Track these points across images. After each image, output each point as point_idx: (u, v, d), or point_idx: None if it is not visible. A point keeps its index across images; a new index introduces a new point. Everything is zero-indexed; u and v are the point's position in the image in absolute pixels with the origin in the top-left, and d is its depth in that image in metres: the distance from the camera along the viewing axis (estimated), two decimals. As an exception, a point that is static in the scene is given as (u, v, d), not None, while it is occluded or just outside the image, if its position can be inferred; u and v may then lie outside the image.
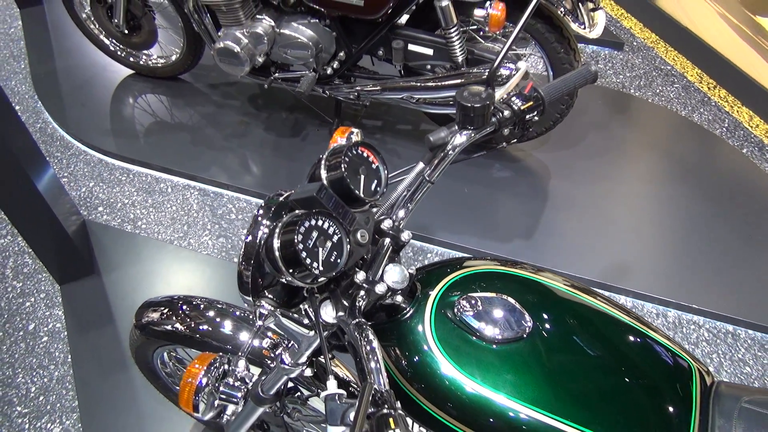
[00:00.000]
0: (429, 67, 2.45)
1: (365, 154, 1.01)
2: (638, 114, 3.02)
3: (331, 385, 0.86)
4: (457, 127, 1.06)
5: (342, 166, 0.96)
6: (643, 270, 2.38)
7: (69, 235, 2.40)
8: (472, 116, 1.02)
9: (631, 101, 3.08)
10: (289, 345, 1.13)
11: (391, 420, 0.76)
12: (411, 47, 2.40)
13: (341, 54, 2.55)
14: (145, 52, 3.21)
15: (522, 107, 1.09)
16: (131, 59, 3.22)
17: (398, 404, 0.82)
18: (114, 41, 3.17)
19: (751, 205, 2.59)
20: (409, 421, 1.06)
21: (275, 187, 2.74)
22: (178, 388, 1.80)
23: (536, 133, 2.63)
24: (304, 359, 1.10)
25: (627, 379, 1.01)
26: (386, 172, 1.02)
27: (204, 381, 1.08)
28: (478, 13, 2.20)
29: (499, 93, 1.10)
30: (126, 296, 2.38)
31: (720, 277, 2.35)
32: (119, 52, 3.20)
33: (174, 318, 1.49)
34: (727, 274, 2.36)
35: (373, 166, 1.02)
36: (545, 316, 1.04)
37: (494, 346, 1.00)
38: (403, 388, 1.03)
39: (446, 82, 2.36)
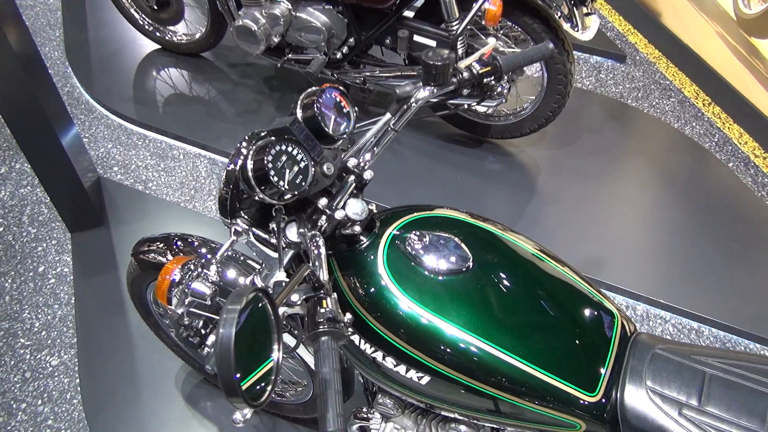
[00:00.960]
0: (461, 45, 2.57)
1: (338, 99, 1.14)
2: (632, 123, 3.13)
3: (280, 275, 0.99)
4: (421, 83, 1.19)
5: (315, 105, 1.09)
6: (619, 265, 2.49)
7: (85, 188, 2.56)
8: (434, 73, 1.15)
9: (627, 110, 3.19)
10: (261, 268, 1.26)
11: (324, 301, 0.89)
12: (416, 38, 2.53)
13: (351, 40, 2.69)
14: (171, 28, 3.37)
15: (480, 71, 1.22)
16: (158, 34, 3.38)
17: (335, 295, 0.96)
18: (143, 16, 3.33)
19: (730, 215, 2.69)
20: (364, 344, 1.18)
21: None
22: (167, 323, 1.95)
23: (529, 130, 2.75)
24: (271, 281, 1.23)
25: (555, 318, 1.13)
26: (355, 115, 1.15)
27: (178, 278, 1.22)
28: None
29: (465, 62, 1.23)
30: (130, 248, 2.53)
31: (691, 277, 2.45)
32: (147, 27, 3.37)
33: (168, 252, 1.62)
34: (698, 276, 2.46)
35: (344, 109, 1.15)
36: (486, 257, 1.16)
37: (439, 278, 1.12)
38: (361, 316, 1.15)
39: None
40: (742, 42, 2.99)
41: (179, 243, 1.65)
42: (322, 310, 0.93)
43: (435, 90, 1.18)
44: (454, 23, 2.38)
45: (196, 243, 1.63)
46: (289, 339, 1.47)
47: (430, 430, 1.28)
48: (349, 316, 1.03)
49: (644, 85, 3.34)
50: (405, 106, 1.20)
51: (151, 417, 2.04)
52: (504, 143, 2.94)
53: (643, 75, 3.41)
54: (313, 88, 1.14)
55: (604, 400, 1.09)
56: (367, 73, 2.73)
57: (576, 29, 2.29)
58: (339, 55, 2.73)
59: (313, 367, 1.61)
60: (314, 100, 1.10)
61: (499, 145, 2.94)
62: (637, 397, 1.09)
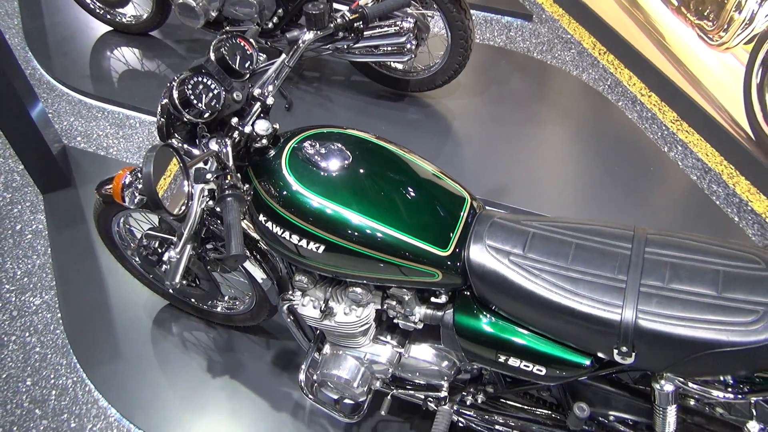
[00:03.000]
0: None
1: (243, 44, 1.48)
2: (537, 73, 3.50)
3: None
4: (306, 28, 1.53)
5: (222, 48, 1.43)
6: (524, 191, 2.87)
7: (53, 155, 2.84)
8: (313, 20, 1.49)
9: (533, 62, 3.56)
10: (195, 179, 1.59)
11: (228, 177, 1.24)
12: (335, 5, 2.86)
13: (280, 11, 3.00)
14: (120, 10, 3.63)
15: (350, 17, 1.56)
16: (108, 16, 3.64)
17: (238, 175, 1.31)
18: (94, 0, 3.59)
19: (618, 145, 3.08)
20: (276, 228, 1.52)
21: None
22: (130, 255, 2.27)
23: (442, 82, 3.10)
24: (207, 176, 1.54)
25: (418, 198, 1.49)
26: (257, 56, 1.49)
27: (128, 180, 1.55)
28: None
29: (342, 9, 1.57)
30: (92, 200, 2.83)
31: (583, 197, 2.84)
32: (98, 10, 3.62)
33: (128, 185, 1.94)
34: (589, 196, 2.85)
35: (248, 52, 1.48)
36: (364, 157, 1.51)
37: (327, 173, 1.47)
38: (276, 210, 1.49)
39: (368, 33, 2.82)
40: (626, -4, 3.38)
41: (129, 175, 1.96)
42: (227, 182, 1.27)
43: (317, 33, 1.52)
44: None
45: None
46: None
47: (335, 295, 1.64)
48: (248, 186, 1.37)
49: (548, 39, 3.71)
50: (295, 47, 1.54)
51: (125, 338, 2.37)
52: (423, 96, 3.29)
53: (547, 31, 3.78)
54: (222, 36, 1.47)
55: (454, 255, 1.46)
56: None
57: (468, -10, 2.64)
58: (270, 25, 3.04)
59: (254, 275, 1.95)
60: (223, 44, 1.43)
61: (419, 97, 3.29)
62: (478, 251, 1.45)
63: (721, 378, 1.39)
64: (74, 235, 2.71)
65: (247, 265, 1.94)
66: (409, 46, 2.77)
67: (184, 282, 2.13)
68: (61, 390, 2.27)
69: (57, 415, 2.21)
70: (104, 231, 2.15)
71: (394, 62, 3.12)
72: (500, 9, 3.88)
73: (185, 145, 1.48)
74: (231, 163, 1.35)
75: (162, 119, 1.46)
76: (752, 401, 1.40)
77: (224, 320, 2.33)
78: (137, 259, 2.21)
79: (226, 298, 2.26)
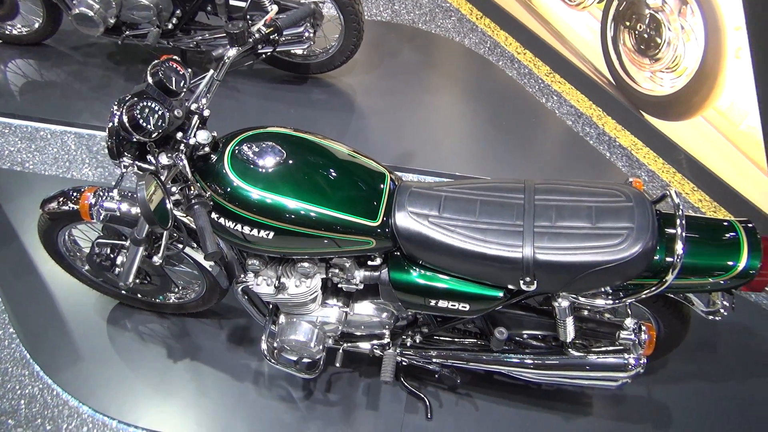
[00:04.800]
0: (248, 16, 3.06)
1: (175, 66, 1.65)
2: (424, 43, 3.78)
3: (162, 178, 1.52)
4: (229, 45, 1.72)
5: (159, 72, 1.60)
6: (427, 153, 3.16)
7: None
8: (234, 39, 1.69)
9: (419, 33, 3.83)
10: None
11: (191, 187, 1.44)
12: (231, 2, 3.00)
13: (178, 12, 3.10)
14: (9, 23, 3.57)
15: (266, 31, 1.77)
16: (-3, 30, 3.58)
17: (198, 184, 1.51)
18: (-22, 15, 3.51)
19: (502, 101, 3.43)
20: (228, 223, 1.73)
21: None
22: (80, 265, 2.39)
23: (340, 62, 3.32)
24: (173, 190, 1.71)
25: (345, 180, 1.74)
26: (189, 75, 1.67)
27: (93, 201, 1.71)
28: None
29: (255, 26, 1.77)
30: (24, 219, 2.88)
31: (474, 153, 3.18)
32: (-16, 25, 3.55)
33: (69, 201, 2.06)
34: (479, 151, 3.19)
35: (180, 72, 1.66)
36: (296, 151, 1.73)
37: (266, 170, 1.69)
38: (226, 207, 1.69)
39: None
40: (493, -35, 3.69)
41: (74, 193, 2.08)
42: (191, 192, 1.48)
43: (239, 48, 1.72)
44: (259, -14, 2.88)
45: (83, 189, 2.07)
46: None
47: (285, 272, 1.88)
48: (209, 193, 1.58)
49: (430, 10, 3.99)
50: (222, 63, 1.73)
51: (83, 341, 2.50)
52: (324, 77, 3.50)
53: (428, 2, 4.05)
54: (156, 61, 1.63)
55: (383, 224, 1.72)
56: (198, 38, 3.17)
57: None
58: (170, 26, 3.14)
59: (202, 263, 2.14)
60: (158, 69, 1.60)
61: (320, 78, 3.50)
62: (402, 218, 1.72)
63: (603, 290, 1.76)
64: (9, 252, 2.77)
65: (196, 255, 2.13)
66: (307, 34, 2.97)
67: (137, 280, 2.29)
68: (29, 398, 2.39)
69: (30, 421, 2.33)
70: (50, 245, 2.26)
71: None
72: (382, -16, 4.10)
73: (136, 162, 1.65)
74: (190, 175, 1.54)
75: (111, 140, 1.62)
76: (627, 303, 1.77)
77: (176, 309, 2.50)
78: (87, 266, 2.34)
79: (178, 289, 2.44)
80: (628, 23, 2.99)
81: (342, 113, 3.34)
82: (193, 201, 1.48)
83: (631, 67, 3.10)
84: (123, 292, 2.44)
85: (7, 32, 3.58)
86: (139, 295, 2.46)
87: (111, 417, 2.34)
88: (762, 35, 2.33)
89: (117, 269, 2.11)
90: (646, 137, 3.21)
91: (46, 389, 2.41)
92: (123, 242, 2.08)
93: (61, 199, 2.08)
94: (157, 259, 1.70)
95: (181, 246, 1.99)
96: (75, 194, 2.06)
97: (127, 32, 3.18)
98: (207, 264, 2.15)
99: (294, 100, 3.39)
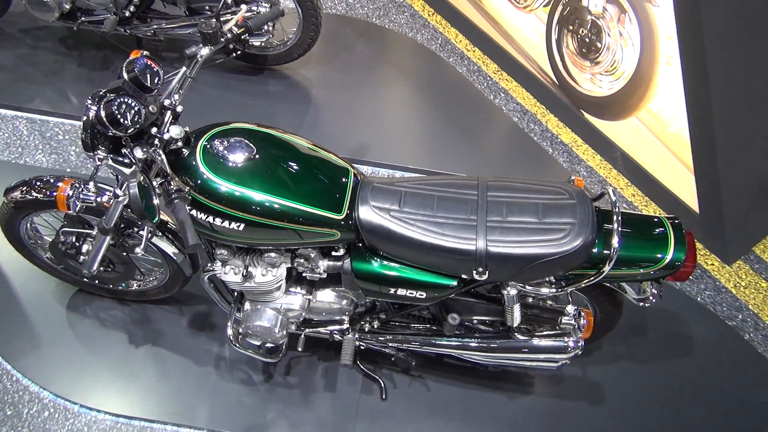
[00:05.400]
0: (207, 7, 3.09)
1: (149, 63, 1.70)
2: (378, 37, 3.87)
3: (140, 175, 1.58)
4: (201, 44, 1.79)
5: (135, 68, 1.65)
6: (382, 147, 3.28)
7: None
8: (207, 38, 1.75)
9: (373, 27, 3.92)
10: (120, 183, 1.82)
11: (172, 182, 1.51)
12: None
13: (136, 0, 3.09)
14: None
15: (237, 31, 1.84)
16: (-59, 10, 3.47)
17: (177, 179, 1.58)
18: None
19: (452, 96, 3.57)
20: (200, 215, 1.80)
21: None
22: (41, 252, 2.41)
23: (297, 55, 3.38)
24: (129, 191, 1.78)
25: (311, 175, 1.84)
26: (163, 72, 1.72)
27: (70, 193, 1.75)
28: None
29: (227, 26, 1.84)
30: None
31: (426, 146, 3.32)
32: (-72, 4, 3.44)
33: (32, 190, 2.08)
34: (431, 144, 3.33)
35: (154, 68, 1.71)
36: (265, 147, 1.82)
37: (237, 164, 1.77)
38: (198, 199, 1.76)
39: (222, 18, 3.03)
40: (446, -36, 3.82)
41: (37, 182, 2.11)
42: (171, 187, 1.55)
43: (212, 48, 1.79)
44: (219, -21, 2.91)
45: (52, 179, 2.10)
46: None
47: (253, 261, 1.96)
48: (187, 188, 1.65)
49: (384, 5, 4.08)
50: (195, 61, 1.79)
51: (43, 327, 2.51)
52: (281, 68, 3.55)
53: (382, -4, 4.15)
54: (131, 57, 1.69)
55: (347, 217, 1.83)
56: (155, 26, 3.17)
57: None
58: (127, 14, 3.13)
59: (167, 251, 2.20)
60: (133, 66, 1.65)
61: (277, 69, 3.55)
62: (365, 212, 1.84)
63: (547, 279, 1.92)
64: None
65: (161, 243, 2.19)
66: (265, 27, 3.02)
67: (101, 268, 2.33)
68: (-12, 385, 2.40)
69: (-10, 407, 2.35)
70: (11, 232, 2.27)
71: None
72: (337, -23, 4.16)
73: (110, 155, 1.70)
74: (169, 170, 1.61)
75: (86, 133, 1.67)
76: (568, 291, 1.94)
77: (138, 296, 2.55)
78: (49, 254, 2.36)
79: (141, 276, 2.48)
80: (571, 27, 3.17)
81: (298, 105, 3.41)
82: (173, 195, 1.55)
83: (573, 69, 3.28)
84: (85, 279, 2.47)
85: (-48, 13, 3.48)
86: (97, 282, 2.49)
87: (73, 401, 2.38)
88: (691, 45, 2.53)
89: (82, 257, 2.15)
90: (585, 135, 3.42)
91: (5, 375, 2.42)
92: (89, 231, 2.12)
93: (24, 188, 2.10)
94: (139, 251, 1.75)
95: (149, 235, 2.05)
96: (38, 183, 2.09)
97: (83, 18, 3.15)
98: (172, 252, 2.21)
99: (251, 91, 3.44)
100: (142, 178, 1.47)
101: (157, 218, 1.51)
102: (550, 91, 3.49)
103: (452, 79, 3.69)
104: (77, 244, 2.12)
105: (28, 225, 2.28)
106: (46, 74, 3.41)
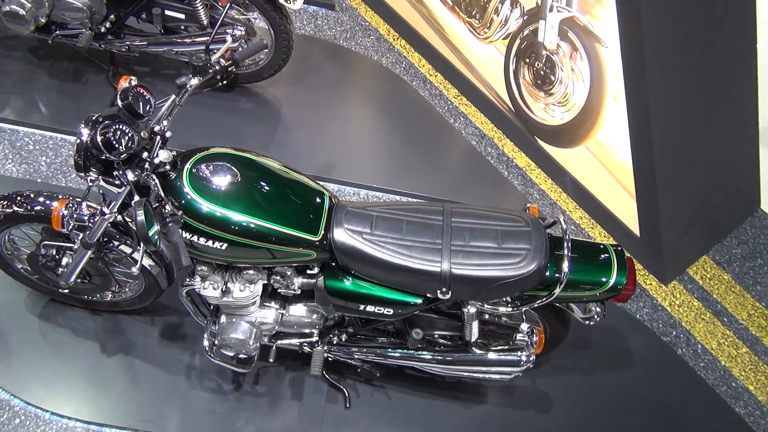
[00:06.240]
0: (183, 27, 3.18)
1: (141, 91, 1.81)
2: (345, 59, 4.02)
3: (137, 197, 1.68)
4: (191, 74, 1.90)
5: (129, 97, 1.76)
6: (347, 166, 3.42)
7: None
8: (198, 69, 1.87)
9: (340, 50, 4.07)
10: (107, 202, 1.91)
11: (167, 206, 1.62)
12: (167, 12, 3.11)
13: (111, 16, 3.15)
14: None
15: (225, 63, 1.96)
16: None
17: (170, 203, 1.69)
18: None
19: (414, 119, 3.75)
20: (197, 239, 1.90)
21: (64, 122, 3.31)
22: (16, 263, 2.46)
23: (268, 75, 3.50)
24: (115, 208, 1.88)
25: (289, 199, 1.96)
26: (154, 100, 1.83)
27: (65, 213, 1.84)
28: (214, -10, 2.99)
29: (216, 55, 1.95)
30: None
31: (390, 166, 3.48)
32: None
33: (13, 204, 2.14)
34: (394, 164, 3.49)
35: (147, 97, 1.82)
36: (247, 171, 1.94)
37: (221, 187, 1.88)
38: (186, 221, 1.86)
39: (196, 39, 3.13)
40: (411, -8, 4.00)
41: (18, 198, 2.17)
42: (166, 211, 1.66)
43: (200, 78, 1.90)
44: (196, 1, 3.01)
45: (30, 194, 2.16)
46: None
47: (232, 278, 2.08)
48: (180, 212, 1.75)
49: (350, 27, 4.24)
50: (185, 90, 1.90)
51: (13, 336, 2.55)
52: (251, 86, 3.66)
53: (349, 19, 4.29)
54: (125, 85, 1.79)
55: (323, 238, 1.97)
56: (128, 42, 3.24)
57: (288, 2, 3.05)
58: (103, 29, 3.18)
59: (143, 264, 2.29)
60: (127, 94, 1.76)
61: (248, 87, 3.66)
62: (340, 234, 1.97)
63: (504, 299, 2.09)
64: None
65: (137, 255, 2.28)
66: (233, 44, 3.14)
67: (78, 280, 2.39)
68: (-42, 392, 2.43)
69: (-40, 415, 2.38)
70: (-12, 246, 2.32)
71: (224, 59, 3.44)
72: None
73: (101, 176, 1.80)
74: (163, 194, 1.72)
75: (78, 155, 1.76)
76: (523, 310, 2.12)
77: (111, 307, 2.61)
78: (26, 265, 2.41)
79: (116, 288, 2.55)
80: (527, 60, 3.39)
81: (267, 123, 3.52)
82: (167, 219, 1.66)
83: (529, 98, 3.50)
84: (61, 290, 2.52)
85: None
86: (71, 293, 2.54)
87: (44, 409, 2.43)
88: (635, 84, 2.77)
89: (60, 269, 2.22)
90: (538, 160, 3.64)
91: (-25, 383, 2.45)
92: (69, 245, 2.19)
93: (4, 202, 2.16)
94: (135, 270, 1.84)
95: (129, 251, 2.15)
96: (19, 198, 2.16)
97: (58, 32, 3.20)
98: (148, 264, 2.29)
99: (221, 107, 3.54)
100: (146, 206, 1.57)
101: (159, 244, 1.61)
102: (507, 118, 3.70)
103: (415, 102, 3.86)
104: (57, 256, 2.20)
105: (6, 237, 2.33)
106: (15, 84, 3.43)
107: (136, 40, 3.23)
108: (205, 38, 3.10)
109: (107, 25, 3.18)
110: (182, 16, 3.10)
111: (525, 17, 3.26)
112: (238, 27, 3.10)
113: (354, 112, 3.71)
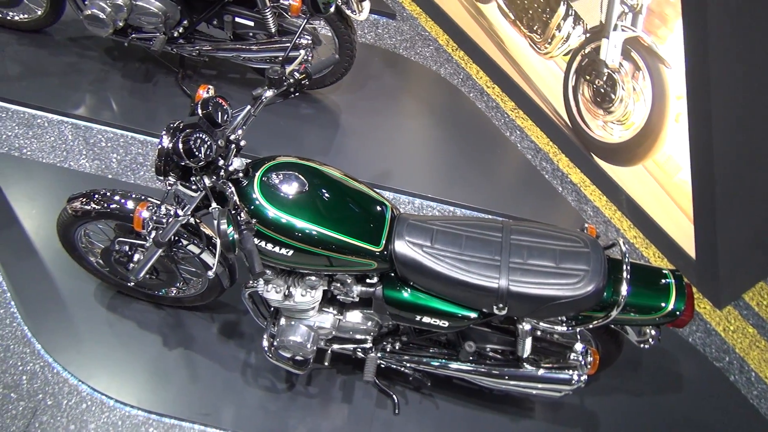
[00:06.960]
0: (251, 34, 3.28)
1: (220, 101, 1.89)
2: (404, 68, 4.07)
3: (215, 204, 1.76)
4: (266, 87, 1.98)
5: (209, 106, 1.84)
6: (403, 174, 3.47)
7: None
8: (274, 82, 1.94)
9: (399, 59, 4.12)
10: (182, 204, 2.00)
11: (241, 214, 1.70)
12: (237, 20, 3.21)
13: (185, 22, 3.28)
14: (11, 10, 3.64)
15: (299, 77, 2.03)
16: (-2, 15, 3.64)
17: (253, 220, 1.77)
18: (-20, -1, 3.57)
19: (470, 130, 3.77)
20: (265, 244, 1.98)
21: (135, 121, 3.45)
22: (90, 256, 2.58)
23: (330, 82, 3.58)
24: (189, 211, 1.96)
25: (354, 209, 2.02)
26: (231, 110, 1.91)
27: (146, 215, 1.94)
28: (284, 1, 3.08)
29: (290, 68, 2.03)
30: (23, 203, 3.02)
31: (447, 177, 3.51)
32: (-14, 9, 3.61)
33: (91, 202, 2.26)
34: (451, 175, 3.52)
35: (224, 107, 1.90)
36: (314, 181, 2.00)
37: (290, 196, 1.95)
38: (258, 228, 1.94)
39: (263, 47, 3.23)
40: (472, 5, 4.02)
41: (96, 195, 2.29)
42: (242, 219, 1.73)
43: (275, 90, 1.98)
44: (266, 10, 3.10)
45: (107, 192, 2.28)
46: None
47: (294, 283, 2.14)
48: (254, 220, 1.83)
49: (410, 37, 4.29)
50: (260, 101, 1.98)
51: (83, 325, 2.68)
52: (312, 93, 3.74)
53: (409, 28, 4.35)
54: (203, 94, 1.87)
55: (384, 249, 2.02)
56: (199, 47, 3.36)
57: (354, 13, 3.12)
58: (176, 34, 3.31)
59: (210, 264, 2.38)
60: (207, 104, 1.84)
61: (309, 94, 3.74)
62: (401, 245, 2.02)
63: (559, 318, 2.11)
64: (11, 234, 2.90)
65: (204, 256, 2.37)
66: (305, 57, 3.21)
67: (147, 276, 2.50)
68: (30, 375, 2.56)
69: (32, 396, 2.51)
70: (67, 237, 2.44)
71: (288, 66, 3.53)
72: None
73: (179, 181, 1.89)
74: (239, 202, 1.79)
75: (160, 160, 1.85)
76: (578, 330, 2.13)
77: (174, 302, 2.72)
78: (99, 259, 2.53)
79: (181, 284, 2.65)
80: (588, 77, 3.37)
81: (326, 129, 3.60)
82: (242, 227, 1.74)
83: (587, 115, 3.49)
84: (129, 284, 2.63)
85: (8, 18, 3.65)
86: (133, 285, 2.65)
87: (109, 396, 2.54)
88: (698, 107, 2.74)
89: (131, 265, 2.32)
90: (594, 177, 3.62)
91: (46, 367, 2.59)
92: (142, 242, 2.29)
93: (83, 199, 2.28)
94: (211, 274, 1.93)
95: (197, 251, 2.24)
96: (97, 196, 2.28)
97: (134, 35, 3.33)
98: (213, 264, 2.38)
99: (283, 112, 3.62)
100: (228, 216, 1.65)
101: (237, 250, 1.69)
102: (564, 133, 3.69)
103: (471, 114, 3.89)
104: (129, 253, 2.30)
105: (83, 232, 2.45)
106: (91, 83, 3.58)
107: (206, 45, 3.35)
108: (272, 45, 3.19)
109: (180, 30, 3.30)
110: (251, 24, 3.20)
111: (587, 35, 3.25)
112: (305, 36, 3.18)
113: (411, 121, 3.76)
